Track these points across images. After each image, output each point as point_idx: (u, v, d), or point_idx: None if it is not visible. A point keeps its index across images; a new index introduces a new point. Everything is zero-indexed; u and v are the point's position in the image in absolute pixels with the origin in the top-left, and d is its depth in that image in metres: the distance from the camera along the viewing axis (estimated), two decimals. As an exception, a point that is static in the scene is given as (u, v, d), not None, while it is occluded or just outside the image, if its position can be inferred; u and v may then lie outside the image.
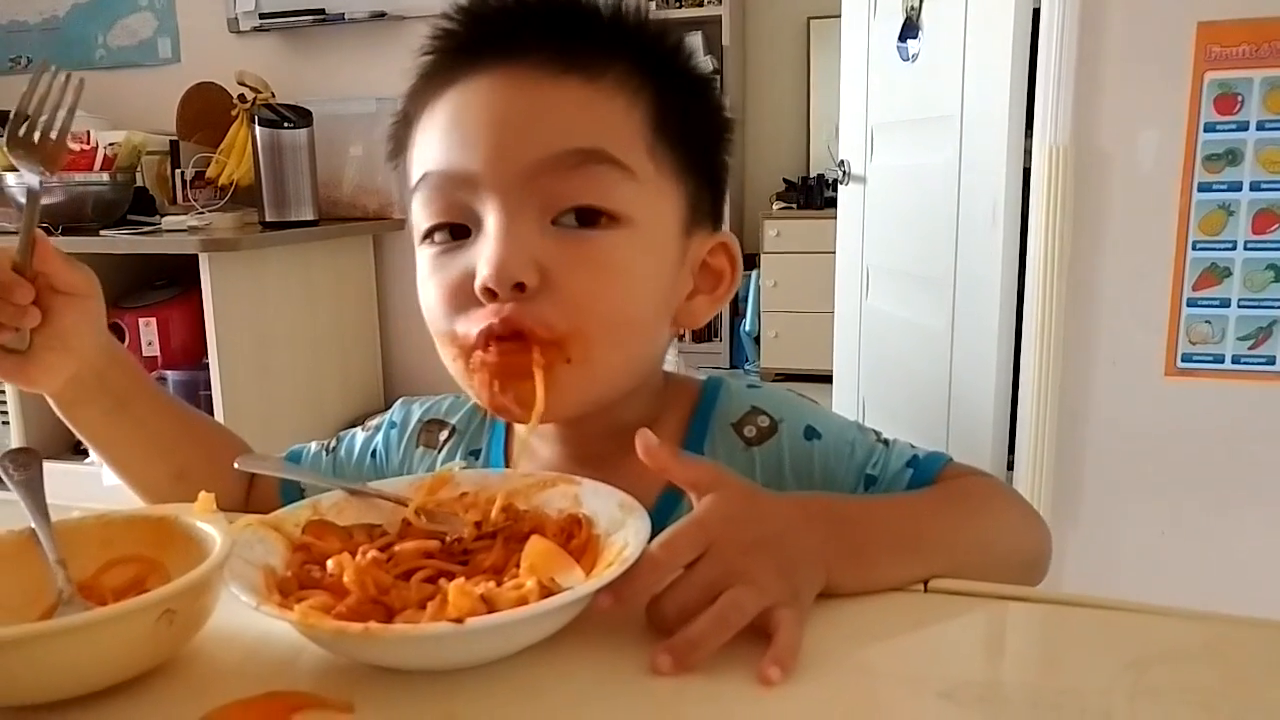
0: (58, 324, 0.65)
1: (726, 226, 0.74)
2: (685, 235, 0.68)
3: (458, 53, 0.66)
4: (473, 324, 0.62)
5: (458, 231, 0.64)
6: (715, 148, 0.71)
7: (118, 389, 0.72)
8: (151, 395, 0.76)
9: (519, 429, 0.75)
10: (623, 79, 0.63)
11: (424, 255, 0.66)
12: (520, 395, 0.61)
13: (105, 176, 2.41)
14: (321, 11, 2.69)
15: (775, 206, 4.80)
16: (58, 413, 0.71)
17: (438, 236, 0.65)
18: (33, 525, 0.55)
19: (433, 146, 0.64)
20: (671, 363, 0.79)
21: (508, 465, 0.76)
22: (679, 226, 0.67)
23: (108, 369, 0.70)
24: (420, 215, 0.66)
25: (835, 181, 2.92)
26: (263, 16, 2.76)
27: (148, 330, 2.51)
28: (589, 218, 0.62)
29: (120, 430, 0.74)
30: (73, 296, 0.65)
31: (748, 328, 4.88)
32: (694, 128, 0.68)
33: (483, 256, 0.60)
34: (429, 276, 0.65)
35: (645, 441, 0.54)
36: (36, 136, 0.67)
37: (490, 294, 0.60)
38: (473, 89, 0.63)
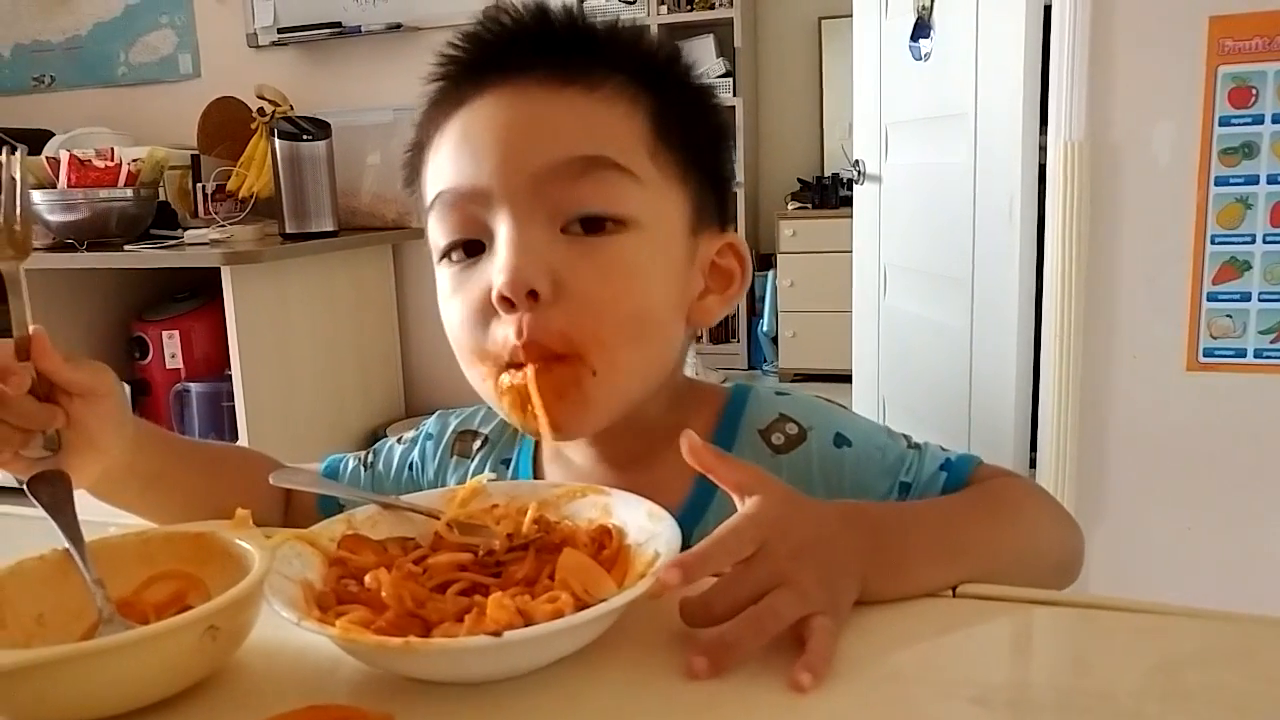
0: (80, 429, 0.61)
1: (740, 227, 0.75)
2: (692, 235, 0.69)
3: (462, 77, 0.68)
4: (499, 339, 0.63)
5: (472, 249, 0.65)
6: (715, 151, 0.72)
7: (148, 470, 0.71)
8: (182, 458, 0.75)
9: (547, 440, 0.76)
10: (621, 88, 0.66)
11: (444, 275, 0.68)
12: (551, 416, 0.62)
13: (129, 192, 2.44)
14: (338, 24, 2.72)
15: (790, 206, 4.78)
16: (91, 497, 0.69)
17: (454, 255, 0.66)
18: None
19: (444, 166, 0.66)
20: (690, 365, 0.80)
21: (536, 473, 0.77)
22: (685, 227, 0.68)
23: (135, 457, 0.68)
24: (436, 234, 0.67)
25: (850, 181, 2.92)
26: (281, 31, 2.78)
27: (170, 342, 2.53)
28: (596, 225, 0.63)
29: (156, 500, 0.74)
30: (87, 399, 0.62)
31: (765, 328, 4.87)
32: (693, 133, 0.69)
33: (497, 266, 0.62)
34: (451, 295, 0.67)
35: (690, 441, 0.55)
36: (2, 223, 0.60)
37: (507, 304, 0.61)
38: (478, 107, 0.66)
